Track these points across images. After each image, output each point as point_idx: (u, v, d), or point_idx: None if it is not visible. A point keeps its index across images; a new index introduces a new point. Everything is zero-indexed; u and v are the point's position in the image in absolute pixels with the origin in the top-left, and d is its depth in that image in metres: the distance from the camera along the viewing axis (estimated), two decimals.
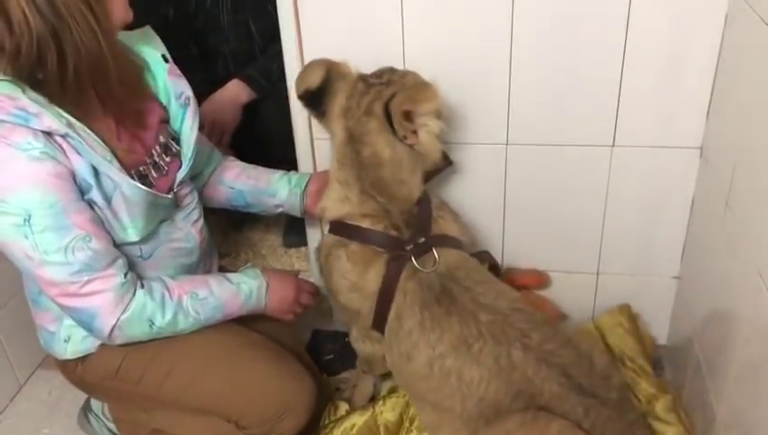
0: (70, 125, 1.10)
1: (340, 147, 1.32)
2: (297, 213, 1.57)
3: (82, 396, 1.59)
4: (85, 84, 1.11)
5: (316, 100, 1.35)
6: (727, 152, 1.34)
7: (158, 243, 1.29)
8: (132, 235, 1.22)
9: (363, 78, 1.35)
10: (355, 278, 1.31)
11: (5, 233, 1.11)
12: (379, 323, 1.31)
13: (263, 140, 1.73)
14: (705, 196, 1.47)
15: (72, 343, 1.32)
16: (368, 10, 1.46)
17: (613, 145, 1.51)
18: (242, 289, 1.34)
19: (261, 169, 1.58)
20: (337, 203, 1.34)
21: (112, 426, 1.58)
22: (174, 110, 1.33)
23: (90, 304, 1.17)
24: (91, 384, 1.39)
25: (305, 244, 2.01)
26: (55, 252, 1.11)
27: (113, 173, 1.16)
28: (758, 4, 1.18)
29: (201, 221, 1.42)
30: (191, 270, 1.39)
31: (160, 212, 1.28)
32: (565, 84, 1.46)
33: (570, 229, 1.64)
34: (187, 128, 1.33)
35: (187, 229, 1.37)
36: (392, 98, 1.26)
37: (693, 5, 1.33)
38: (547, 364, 1.17)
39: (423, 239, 1.30)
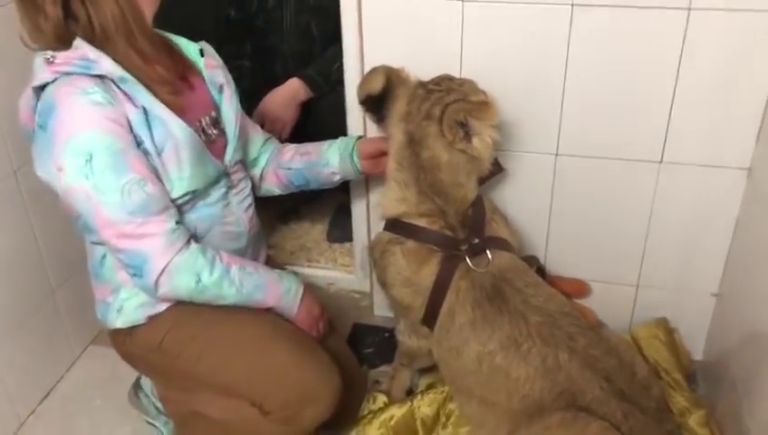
0: (125, 71, 1.21)
1: (399, 149, 1.38)
2: (353, 176, 1.62)
3: (133, 373, 1.66)
4: (116, 42, 1.21)
5: (377, 105, 1.42)
6: None
7: (211, 222, 1.36)
8: (179, 187, 1.28)
9: (423, 84, 1.41)
10: (409, 274, 1.37)
11: (70, 175, 1.19)
12: (430, 318, 1.37)
13: (318, 137, 1.79)
14: (751, 216, 1.50)
15: (123, 313, 1.38)
16: (428, 20, 1.51)
17: (661, 161, 1.54)
18: (283, 281, 1.41)
19: (310, 144, 1.63)
20: (394, 202, 1.40)
21: (159, 404, 1.64)
22: (215, 96, 1.41)
23: (143, 245, 1.23)
24: (137, 356, 1.45)
25: (350, 239, 2.06)
26: (113, 192, 1.19)
27: (165, 113, 1.24)
28: None
29: (252, 209, 1.50)
30: (239, 255, 1.44)
31: (210, 174, 1.35)
32: (617, 99, 1.50)
33: (612, 241, 1.68)
34: (226, 112, 1.41)
35: (240, 214, 1.44)
36: (451, 104, 1.32)
37: (750, 28, 1.36)
38: (591, 368, 1.21)
39: (477, 240, 1.35)
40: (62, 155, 1.18)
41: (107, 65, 1.19)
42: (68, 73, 1.18)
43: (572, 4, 1.41)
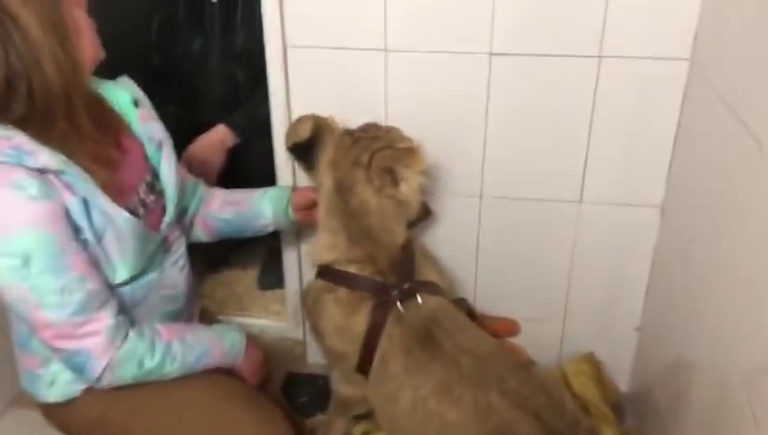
0: (65, 162, 1.11)
1: (328, 196, 1.39)
2: (287, 228, 1.61)
3: None
4: (56, 119, 1.11)
5: (305, 152, 1.42)
6: (686, 211, 1.44)
7: (148, 289, 1.30)
8: (122, 273, 1.22)
9: (350, 132, 1.43)
10: (342, 322, 1.36)
11: (3, 276, 1.10)
12: (364, 366, 1.36)
13: (246, 183, 1.78)
14: (665, 251, 1.57)
15: (56, 386, 1.31)
16: (354, 69, 1.54)
17: (580, 201, 1.61)
18: (225, 339, 1.37)
19: (240, 192, 1.59)
20: (325, 249, 1.40)
21: None
22: (150, 153, 1.35)
23: (83, 345, 1.17)
24: (75, 429, 1.37)
25: (282, 286, 2.04)
26: (52, 293, 1.11)
27: (107, 205, 1.16)
28: (713, 78, 1.30)
29: (188, 267, 1.44)
30: (177, 316, 1.40)
31: (150, 249, 1.29)
32: (536, 142, 1.56)
33: (538, 279, 1.73)
34: (165, 171, 1.35)
35: (175, 276, 1.38)
36: (378, 151, 1.34)
37: (656, 74, 1.45)
38: (522, 408, 1.23)
39: (407, 285, 1.37)
40: None
41: (44, 158, 1.08)
42: None
43: (490, 53, 1.47)
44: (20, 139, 1.09)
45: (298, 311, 1.91)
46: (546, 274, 1.71)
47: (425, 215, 1.54)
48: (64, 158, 1.12)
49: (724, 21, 1.27)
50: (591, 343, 1.78)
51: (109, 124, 1.29)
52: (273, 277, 2.20)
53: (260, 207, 1.56)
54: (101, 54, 1.20)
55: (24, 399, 1.72)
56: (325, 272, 1.41)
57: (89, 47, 1.16)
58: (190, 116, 2.06)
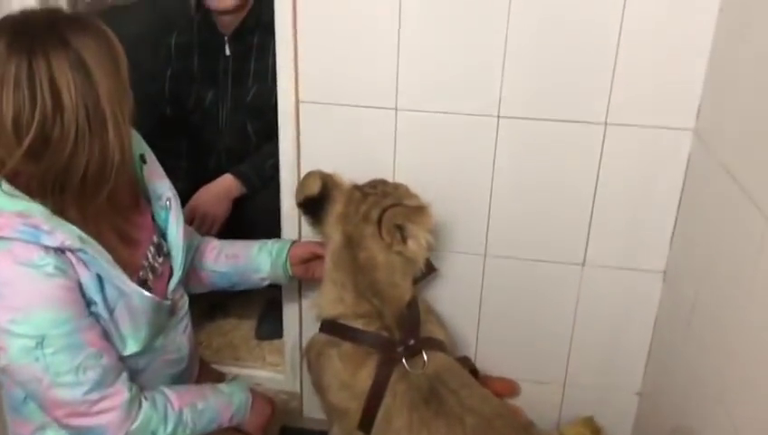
0: (81, 240, 1.08)
1: (336, 250, 1.40)
2: (283, 281, 1.59)
3: None
4: (103, 190, 1.10)
5: (313, 207, 1.44)
6: (689, 278, 1.45)
7: (153, 356, 1.28)
8: (132, 346, 1.20)
9: (359, 187, 1.45)
10: (346, 378, 1.36)
11: (15, 356, 1.07)
12: (366, 423, 1.35)
13: (250, 233, 1.79)
14: (668, 318, 1.58)
15: None
16: (364, 126, 1.57)
17: (583, 264, 1.62)
18: (233, 401, 1.35)
19: (237, 244, 1.57)
20: (331, 303, 1.40)
21: None
22: (157, 212, 1.34)
23: (99, 422, 1.13)
24: None
25: (279, 336, 2.02)
26: (67, 373, 1.09)
27: (124, 285, 1.14)
28: (717, 148, 1.33)
29: (190, 328, 1.42)
30: (179, 377, 1.39)
31: (161, 319, 1.28)
32: (542, 204, 1.58)
33: (540, 340, 1.72)
34: (173, 231, 1.33)
35: (180, 340, 1.37)
36: (389, 208, 1.36)
37: (660, 142, 1.48)
38: None
39: (413, 341, 1.36)
40: (5, 335, 1.05)
41: (62, 237, 1.05)
42: (7, 238, 1.04)
43: (498, 116, 1.51)
44: (38, 218, 1.06)
45: (296, 363, 1.89)
46: (547, 335, 1.71)
47: (429, 271, 1.55)
48: (82, 235, 1.09)
49: (729, 92, 1.30)
50: (591, 406, 1.76)
51: (137, 195, 1.29)
52: (270, 327, 2.18)
53: (257, 262, 1.54)
54: None
55: None
56: (330, 326, 1.40)
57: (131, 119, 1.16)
58: (199, 166, 2.09)
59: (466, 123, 1.52)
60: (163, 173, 1.36)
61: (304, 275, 1.56)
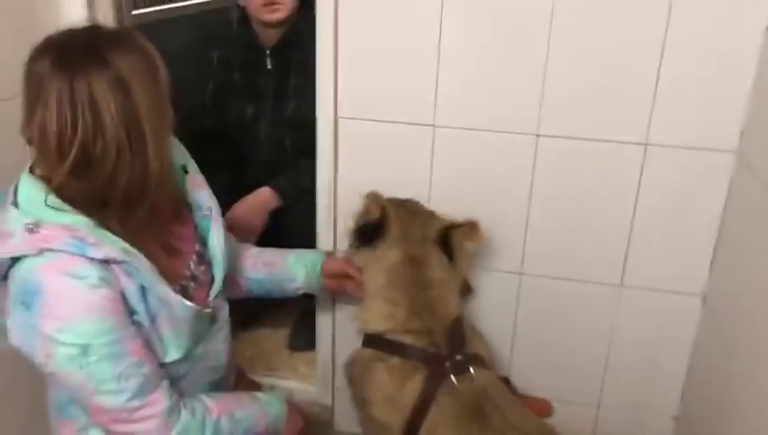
0: (125, 252, 1.11)
1: (393, 268, 1.42)
2: (316, 292, 1.62)
3: None
4: (145, 204, 1.12)
5: (367, 230, 1.47)
6: (730, 301, 1.43)
7: (194, 363, 1.30)
8: (173, 353, 1.22)
9: (401, 205, 1.49)
10: (392, 391, 1.36)
11: (60, 364, 1.10)
12: None
13: (286, 245, 1.81)
14: (707, 341, 1.55)
15: None
16: (401, 142, 1.59)
17: (621, 285, 1.60)
18: (269, 411, 1.37)
19: (273, 252, 1.59)
20: (379, 318, 1.42)
21: None
22: (199, 221, 1.36)
23: (139, 428, 1.16)
24: None
25: (312, 348, 2.03)
26: (109, 381, 1.11)
27: (166, 294, 1.17)
28: (760, 170, 1.31)
29: (229, 336, 1.43)
30: (218, 384, 1.40)
31: (202, 327, 1.30)
32: (579, 223, 1.57)
33: (574, 361, 1.71)
34: (214, 239, 1.34)
35: (220, 347, 1.38)
36: (449, 229, 1.45)
37: (701, 163, 1.46)
38: None
39: (460, 357, 1.37)
40: (51, 343, 1.08)
41: (107, 249, 1.08)
42: (54, 250, 1.06)
43: (537, 135, 1.50)
44: (84, 231, 1.08)
45: (328, 375, 1.90)
46: (583, 356, 1.69)
47: (466, 291, 1.57)
48: (126, 247, 1.12)
49: None
50: (625, 430, 1.74)
51: (180, 206, 1.32)
52: (303, 338, 2.19)
53: (293, 271, 1.56)
54: None
55: None
56: (377, 341, 1.42)
57: (172, 133, 1.19)
58: (237, 178, 2.12)
59: (505, 141, 1.52)
60: (204, 183, 1.38)
61: (335, 288, 1.59)
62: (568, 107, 1.47)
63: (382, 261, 1.44)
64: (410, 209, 1.47)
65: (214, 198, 1.38)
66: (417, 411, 1.33)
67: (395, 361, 1.38)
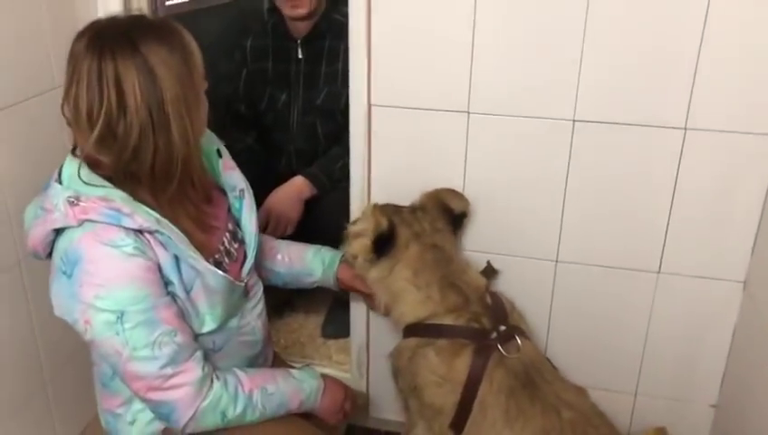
0: (158, 222, 1.17)
1: (415, 259, 1.45)
2: (332, 286, 1.65)
3: None
4: (172, 181, 1.18)
5: (381, 241, 1.46)
6: None
7: (228, 335, 1.34)
8: (210, 323, 1.27)
9: (398, 211, 1.52)
10: (444, 370, 1.38)
11: (98, 330, 1.15)
12: (460, 419, 1.36)
13: (320, 233, 1.82)
14: (748, 329, 1.52)
15: (136, 426, 1.34)
16: (435, 129, 1.58)
17: (659, 271, 1.58)
18: (303, 388, 1.39)
19: (294, 246, 1.64)
20: (417, 306, 1.43)
21: None
22: (232, 201, 1.41)
23: (171, 396, 1.20)
24: None
25: (345, 335, 2.05)
26: (143, 347, 1.15)
27: (198, 264, 1.22)
28: None
29: (264, 313, 1.48)
30: (254, 361, 1.44)
31: (235, 299, 1.34)
32: (616, 210, 1.55)
33: (611, 348, 1.69)
34: (246, 218, 1.41)
35: (254, 322, 1.42)
36: (445, 207, 1.53)
37: (743, 148, 1.43)
38: None
39: (504, 327, 1.39)
40: (90, 310, 1.14)
41: (140, 219, 1.14)
42: (93, 220, 1.13)
43: (574, 120, 1.48)
44: (119, 202, 1.15)
45: (362, 362, 1.92)
46: (620, 343, 1.68)
47: (492, 273, 1.61)
48: (158, 217, 1.18)
49: None
50: (663, 418, 1.72)
51: (210, 184, 1.36)
52: (337, 326, 2.21)
53: (311, 267, 1.61)
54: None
55: (93, 430, 1.76)
56: (419, 329, 1.43)
57: (204, 118, 1.23)
58: (269, 166, 2.13)
59: (540, 127, 1.51)
60: (236, 166, 1.43)
61: (350, 283, 1.61)
62: (604, 91, 1.45)
63: (404, 260, 1.45)
64: (409, 210, 1.52)
65: (246, 180, 1.43)
66: (469, 387, 1.35)
67: (442, 342, 1.39)
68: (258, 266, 1.57)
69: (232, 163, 1.43)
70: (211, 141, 1.40)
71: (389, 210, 1.50)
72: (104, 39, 1.11)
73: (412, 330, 1.44)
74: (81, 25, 1.17)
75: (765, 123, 1.40)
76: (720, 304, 1.57)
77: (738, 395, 1.56)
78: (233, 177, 1.41)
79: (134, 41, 1.11)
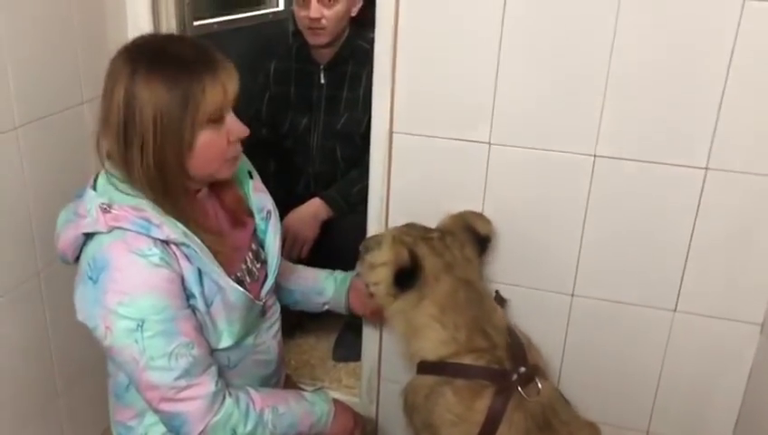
0: (185, 235, 1.19)
1: (446, 296, 1.39)
2: (342, 310, 1.65)
3: None
4: (174, 192, 1.21)
5: (405, 275, 1.40)
6: None
7: (244, 353, 1.35)
8: (227, 339, 1.28)
9: (425, 237, 1.45)
10: (462, 410, 1.35)
11: (118, 336, 1.16)
12: None
13: (336, 256, 1.83)
14: (765, 371, 1.51)
15: None
16: (455, 159, 1.58)
17: (675, 310, 1.57)
18: (315, 411, 1.39)
19: (307, 268, 1.67)
20: (440, 345, 1.39)
21: None
22: (258, 222, 1.43)
23: (184, 409, 1.21)
24: None
25: (356, 359, 2.05)
26: (160, 357, 1.17)
27: (220, 278, 1.24)
28: None
29: (280, 333, 1.49)
30: (267, 380, 1.45)
31: (253, 318, 1.35)
32: (635, 247, 1.55)
33: (624, 385, 1.68)
34: (270, 240, 1.42)
35: (270, 342, 1.43)
36: (472, 230, 1.49)
37: (762, 190, 1.43)
38: None
39: (524, 369, 1.36)
40: (112, 316, 1.16)
41: (168, 231, 1.17)
42: (123, 228, 1.16)
43: (594, 156, 1.49)
44: (149, 212, 1.18)
45: (372, 387, 1.91)
46: (633, 381, 1.66)
47: (500, 302, 1.59)
48: (186, 230, 1.20)
49: None
50: None
51: (243, 206, 1.39)
52: (348, 349, 2.21)
53: (323, 285, 1.63)
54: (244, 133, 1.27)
55: None
56: (438, 367, 1.39)
57: (204, 164, 1.22)
58: (289, 188, 2.15)
59: (562, 161, 1.51)
60: (265, 189, 1.46)
61: (360, 308, 1.62)
62: (627, 128, 1.46)
63: (433, 296, 1.39)
64: (435, 236, 1.45)
65: (273, 202, 1.46)
66: (488, 429, 1.33)
67: (460, 382, 1.36)
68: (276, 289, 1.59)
69: (262, 186, 1.46)
70: (244, 163, 1.42)
71: (415, 236, 1.44)
72: (119, 59, 1.18)
73: (429, 368, 1.41)
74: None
75: None
76: (736, 346, 1.56)
77: None
78: (262, 198, 1.43)
79: (135, 65, 1.15)
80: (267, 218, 1.43)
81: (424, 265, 1.40)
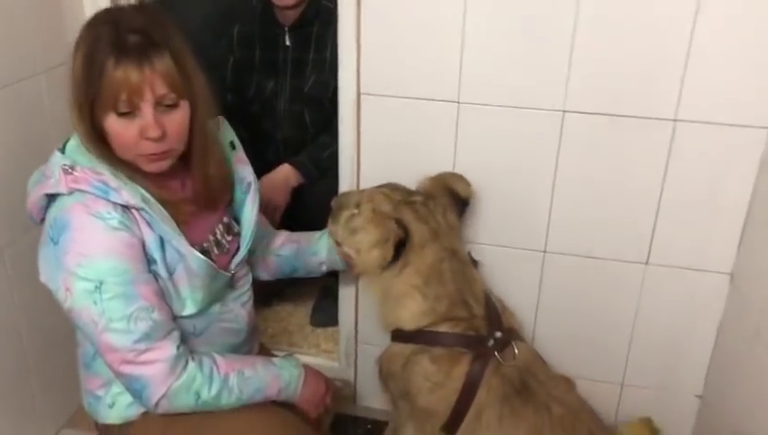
0: (145, 200, 1.19)
1: (431, 267, 1.37)
2: (339, 267, 1.64)
3: None
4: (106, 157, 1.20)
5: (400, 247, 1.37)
6: (759, 281, 1.41)
7: (209, 321, 1.35)
8: (190, 307, 1.28)
9: (408, 201, 1.41)
10: (440, 378, 1.35)
11: (77, 298, 1.17)
12: (454, 422, 1.35)
13: (307, 222, 1.81)
14: (735, 321, 1.53)
15: (116, 408, 1.35)
16: (424, 119, 1.56)
17: (647, 263, 1.58)
18: (283, 375, 1.38)
19: (302, 233, 1.65)
20: (418, 315, 1.38)
21: None
22: (237, 194, 1.41)
23: (144, 372, 1.20)
24: None
25: (334, 324, 2.05)
26: (119, 320, 1.17)
27: (181, 245, 1.23)
28: None
29: (250, 304, 1.48)
30: (238, 349, 1.44)
31: (218, 287, 1.34)
32: (605, 201, 1.55)
33: (598, 339, 1.70)
34: (248, 212, 1.41)
35: (238, 310, 1.42)
36: (453, 193, 1.45)
37: (731, 141, 1.43)
38: None
39: (500, 334, 1.37)
40: (72, 278, 1.16)
41: (126, 195, 1.17)
42: (83, 191, 1.16)
43: (563, 111, 1.48)
44: (107, 175, 1.18)
45: (350, 351, 1.91)
46: (606, 334, 1.68)
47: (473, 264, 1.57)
48: (146, 195, 1.20)
49: None
50: (649, 407, 1.73)
51: (228, 174, 1.38)
52: (325, 315, 2.21)
53: (317, 246, 1.60)
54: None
55: (78, 419, 1.76)
56: (414, 335, 1.39)
57: (120, 150, 1.20)
58: (257, 154, 2.11)
59: (530, 117, 1.50)
60: (246, 160, 1.44)
61: None
62: (594, 82, 1.44)
63: (416, 264, 1.37)
64: (417, 199, 1.41)
65: (254, 174, 1.44)
66: (466, 394, 1.33)
67: (437, 350, 1.36)
68: (268, 255, 1.61)
69: (244, 157, 1.44)
70: (226, 134, 1.42)
71: (397, 200, 1.40)
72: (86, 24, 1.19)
73: (405, 336, 1.40)
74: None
75: (753, 116, 1.40)
76: (707, 296, 1.58)
77: (723, 386, 1.57)
78: (243, 170, 1.42)
79: (85, 33, 1.17)
80: (246, 191, 1.41)
81: (412, 234, 1.37)
